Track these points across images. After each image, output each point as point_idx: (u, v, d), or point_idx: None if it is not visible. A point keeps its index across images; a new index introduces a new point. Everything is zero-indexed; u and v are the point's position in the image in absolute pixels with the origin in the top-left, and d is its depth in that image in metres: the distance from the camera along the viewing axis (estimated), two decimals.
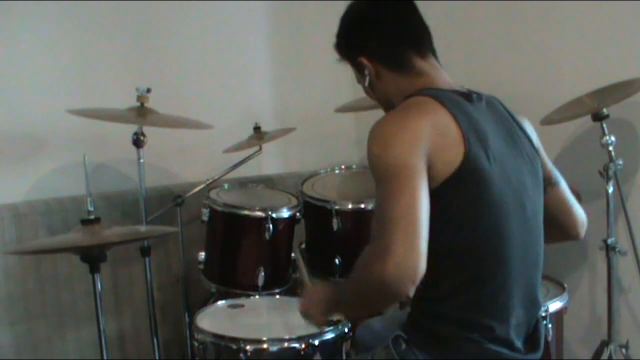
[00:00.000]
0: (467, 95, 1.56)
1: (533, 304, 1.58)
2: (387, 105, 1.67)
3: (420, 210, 1.39)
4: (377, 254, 1.37)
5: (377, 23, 1.64)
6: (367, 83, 1.65)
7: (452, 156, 1.45)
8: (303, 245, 2.58)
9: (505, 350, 1.51)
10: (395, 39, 1.63)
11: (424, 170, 1.42)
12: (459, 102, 1.53)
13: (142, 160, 2.40)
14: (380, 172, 1.45)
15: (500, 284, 1.50)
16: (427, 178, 1.42)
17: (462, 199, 1.45)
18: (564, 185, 1.73)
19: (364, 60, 1.63)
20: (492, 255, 1.49)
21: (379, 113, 1.62)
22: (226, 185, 2.64)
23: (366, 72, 1.63)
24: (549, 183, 1.69)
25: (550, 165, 1.73)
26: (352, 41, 1.67)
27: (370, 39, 1.64)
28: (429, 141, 1.44)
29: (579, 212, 1.74)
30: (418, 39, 1.65)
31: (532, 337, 1.58)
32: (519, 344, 1.54)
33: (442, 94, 1.53)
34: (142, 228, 2.34)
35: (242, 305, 2.18)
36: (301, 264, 2.12)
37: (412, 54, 1.61)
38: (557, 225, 1.72)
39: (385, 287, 1.37)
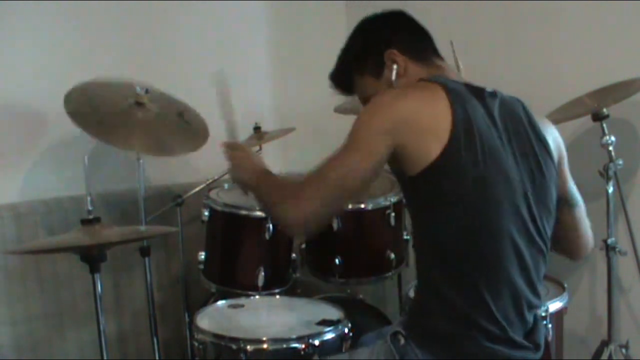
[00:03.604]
0: (479, 91, 1.57)
1: (527, 306, 1.57)
2: None
3: (349, 180, 1.50)
4: (289, 194, 1.54)
5: (400, 23, 1.72)
6: (393, 77, 1.64)
7: (431, 147, 1.46)
8: (303, 245, 2.57)
9: (503, 349, 1.51)
10: (417, 36, 1.71)
11: (384, 154, 1.49)
12: (465, 95, 1.53)
13: (141, 160, 2.40)
14: (350, 133, 1.53)
15: (489, 284, 1.50)
16: (403, 161, 1.49)
17: (441, 193, 1.47)
18: (581, 211, 1.73)
19: (396, 53, 1.64)
20: (478, 255, 1.49)
21: None
22: (226, 185, 2.64)
23: (395, 67, 1.64)
24: (565, 204, 1.69)
25: (570, 185, 1.73)
26: (381, 35, 1.69)
27: (399, 32, 1.69)
28: (410, 124, 1.48)
29: (587, 241, 1.75)
30: (432, 40, 1.72)
31: (532, 337, 1.58)
32: (520, 340, 1.54)
33: (452, 84, 1.55)
34: (142, 228, 2.34)
35: (242, 305, 2.18)
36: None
37: (431, 50, 1.70)
38: (562, 245, 1.74)
39: (281, 223, 1.61)
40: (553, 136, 1.68)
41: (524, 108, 1.64)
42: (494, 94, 1.60)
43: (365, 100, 1.73)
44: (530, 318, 1.59)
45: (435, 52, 1.70)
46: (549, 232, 1.60)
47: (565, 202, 1.69)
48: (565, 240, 1.73)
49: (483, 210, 1.48)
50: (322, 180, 1.52)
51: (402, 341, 1.55)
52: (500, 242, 1.50)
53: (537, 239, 1.57)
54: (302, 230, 1.55)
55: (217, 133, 2.61)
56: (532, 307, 1.59)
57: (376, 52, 1.66)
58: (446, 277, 1.49)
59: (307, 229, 1.54)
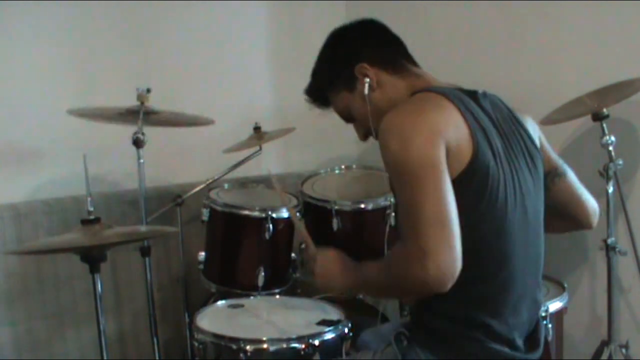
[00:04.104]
0: (472, 93, 1.57)
1: (534, 304, 1.59)
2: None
3: (450, 207, 1.39)
4: (415, 256, 1.37)
5: (368, 34, 1.69)
6: (366, 91, 1.64)
7: (464, 152, 1.45)
8: (303, 245, 2.57)
9: (506, 349, 1.51)
10: (387, 45, 1.68)
11: (445, 163, 1.42)
12: (465, 99, 1.54)
13: (141, 160, 2.40)
14: (402, 168, 1.43)
15: (502, 283, 1.51)
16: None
17: (471, 196, 1.45)
18: (571, 176, 1.74)
19: (365, 66, 1.63)
20: (494, 254, 1.49)
21: None
22: (226, 185, 2.64)
23: (367, 80, 1.63)
24: (555, 174, 1.71)
25: (554, 156, 1.74)
26: (349, 49, 1.68)
27: (367, 44, 1.67)
28: (445, 134, 1.44)
29: (590, 201, 1.76)
30: (404, 48, 1.70)
31: (532, 337, 1.59)
32: (519, 342, 1.54)
33: (448, 91, 1.54)
34: (142, 228, 2.34)
35: (242, 305, 2.18)
36: (297, 222, 2.10)
37: (404, 59, 1.67)
38: (569, 216, 1.75)
39: (426, 286, 1.39)
40: (531, 125, 1.69)
41: (505, 104, 1.65)
42: (485, 95, 1.60)
43: (342, 114, 1.74)
44: (534, 317, 1.60)
45: (409, 59, 1.68)
46: (543, 223, 1.62)
47: (555, 174, 1.71)
48: (570, 211, 1.74)
49: (498, 210, 1.48)
50: (424, 222, 1.37)
51: (405, 342, 1.55)
52: (510, 242, 1.50)
53: (539, 231, 1.59)
54: (454, 275, 1.37)
55: (218, 132, 2.62)
56: (537, 304, 1.60)
57: (346, 67, 1.65)
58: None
59: (454, 271, 1.37)
